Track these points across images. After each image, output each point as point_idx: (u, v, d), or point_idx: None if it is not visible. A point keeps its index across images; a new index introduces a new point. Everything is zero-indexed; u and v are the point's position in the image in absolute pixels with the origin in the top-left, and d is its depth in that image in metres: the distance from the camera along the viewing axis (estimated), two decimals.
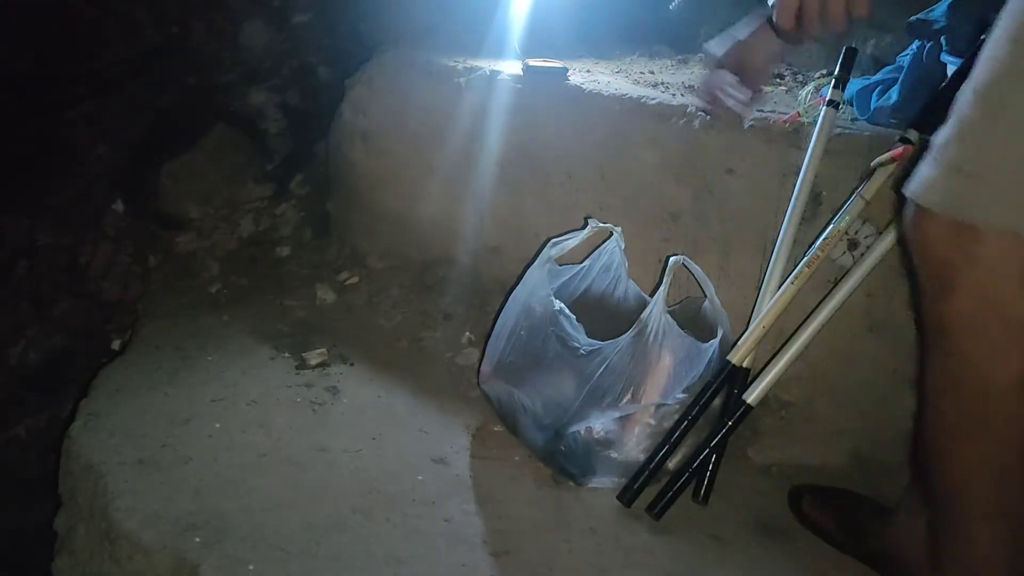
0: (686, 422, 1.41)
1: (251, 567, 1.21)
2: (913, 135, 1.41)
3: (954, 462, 1.07)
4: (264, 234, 2.26)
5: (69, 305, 2.20)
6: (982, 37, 1.43)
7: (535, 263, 1.54)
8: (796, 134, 1.52)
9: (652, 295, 1.45)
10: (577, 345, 1.42)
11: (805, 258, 1.44)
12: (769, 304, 1.45)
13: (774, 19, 1.27)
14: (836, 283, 1.44)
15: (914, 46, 1.58)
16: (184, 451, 1.45)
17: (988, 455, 1.03)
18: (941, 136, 0.98)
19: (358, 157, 2.07)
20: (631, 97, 1.68)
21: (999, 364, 0.98)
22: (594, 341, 1.42)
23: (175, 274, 2.17)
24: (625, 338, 1.40)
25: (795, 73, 1.93)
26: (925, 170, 0.99)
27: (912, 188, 1.00)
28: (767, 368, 1.42)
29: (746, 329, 1.47)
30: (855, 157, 1.49)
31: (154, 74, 2.51)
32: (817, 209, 1.52)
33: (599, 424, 1.42)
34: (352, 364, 1.76)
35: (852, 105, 1.64)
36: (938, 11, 1.53)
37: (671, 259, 1.46)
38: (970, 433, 1.04)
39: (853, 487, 1.45)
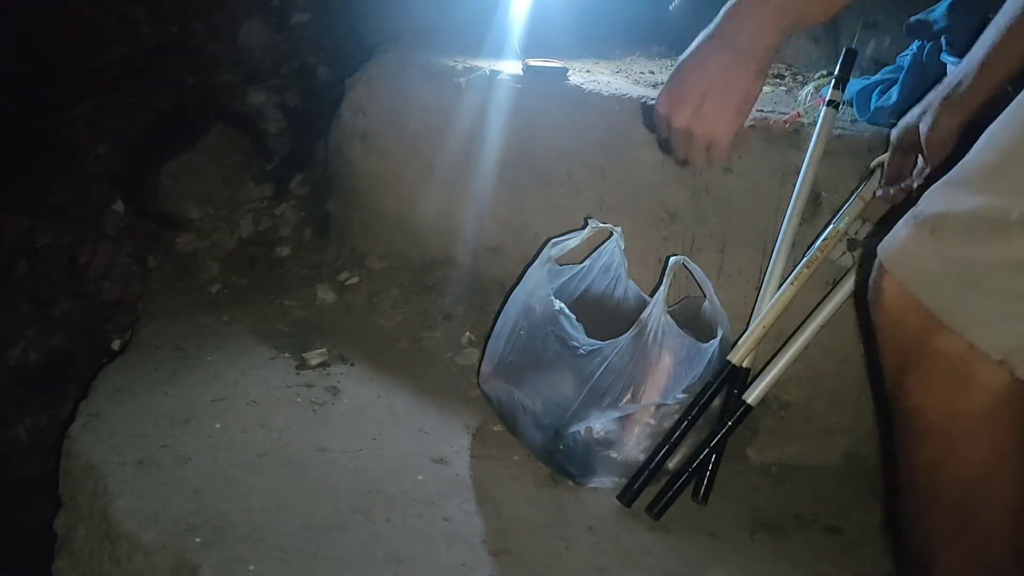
0: (686, 422, 1.41)
1: (251, 567, 1.21)
2: None
3: (942, 565, 0.95)
4: (264, 234, 2.26)
5: (69, 305, 2.20)
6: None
7: (535, 263, 1.54)
8: (796, 134, 1.52)
9: (652, 295, 1.45)
10: (577, 345, 1.42)
11: (805, 258, 1.44)
12: (769, 304, 1.45)
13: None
14: (835, 284, 1.44)
15: (914, 46, 1.57)
16: (184, 451, 1.45)
17: (971, 551, 0.92)
18: (937, 202, 0.86)
19: (358, 157, 2.07)
20: (631, 97, 1.68)
21: (972, 452, 0.88)
22: (594, 341, 1.42)
23: (175, 274, 2.17)
24: (625, 338, 1.40)
25: (795, 73, 1.93)
26: (905, 233, 0.87)
27: (889, 253, 0.88)
28: (767, 368, 1.42)
29: (746, 329, 1.47)
30: (855, 158, 1.49)
31: (154, 74, 2.52)
32: (817, 209, 1.52)
33: (599, 424, 1.42)
34: (352, 364, 1.76)
35: (852, 105, 1.64)
36: (938, 11, 1.52)
37: (671, 259, 1.46)
38: (953, 533, 0.93)
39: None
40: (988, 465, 0.88)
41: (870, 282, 0.92)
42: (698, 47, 1.03)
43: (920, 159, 1.32)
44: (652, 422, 1.43)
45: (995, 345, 0.82)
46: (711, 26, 1.02)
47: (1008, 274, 0.81)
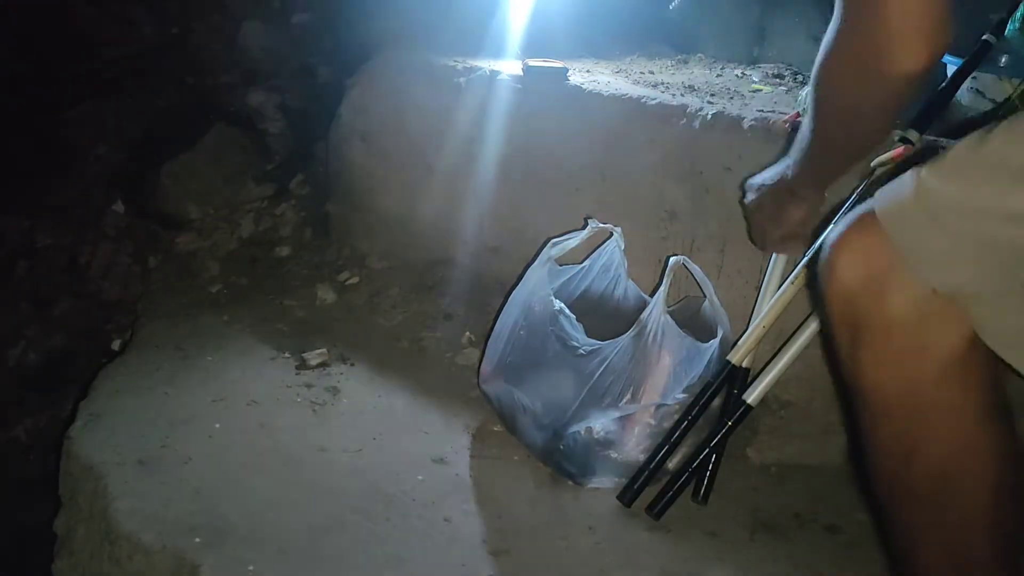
0: (686, 422, 1.41)
1: (251, 567, 1.21)
2: (913, 135, 1.40)
3: (917, 560, 0.96)
4: (264, 234, 2.26)
5: (69, 305, 2.20)
6: (983, 37, 1.45)
7: (535, 263, 1.54)
8: (796, 134, 1.52)
9: (652, 295, 1.45)
10: (577, 345, 1.42)
11: (805, 258, 1.44)
12: (769, 304, 1.45)
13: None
14: None
15: None
16: (184, 451, 1.45)
17: (949, 545, 0.92)
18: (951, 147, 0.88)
19: (358, 157, 2.07)
20: (631, 97, 1.68)
21: (931, 432, 0.88)
22: (594, 341, 1.42)
23: (175, 274, 2.17)
24: (625, 338, 1.40)
25: (795, 73, 1.93)
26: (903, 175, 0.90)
27: (881, 191, 0.91)
28: (767, 368, 1.42)
29: (746, 329, 1.47)
30: None
31: (154, 74, 2.52)
32: None
33: (599, 424, 1.42)
34: (352, 364, 1.76)
35: None
36: None
37: (671, 259, 1.46)
38: (926, 526, 0.93)
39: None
40: (953, 441, 0.88)
41: (820, 263, 0.93)
42: (781, 171, 1.27)
43: None
44: (652, 422, 1.43)
45: (940, 281, 0.84)
46: (794, 153, 1.22)
47: (976, 219, 0.82)
